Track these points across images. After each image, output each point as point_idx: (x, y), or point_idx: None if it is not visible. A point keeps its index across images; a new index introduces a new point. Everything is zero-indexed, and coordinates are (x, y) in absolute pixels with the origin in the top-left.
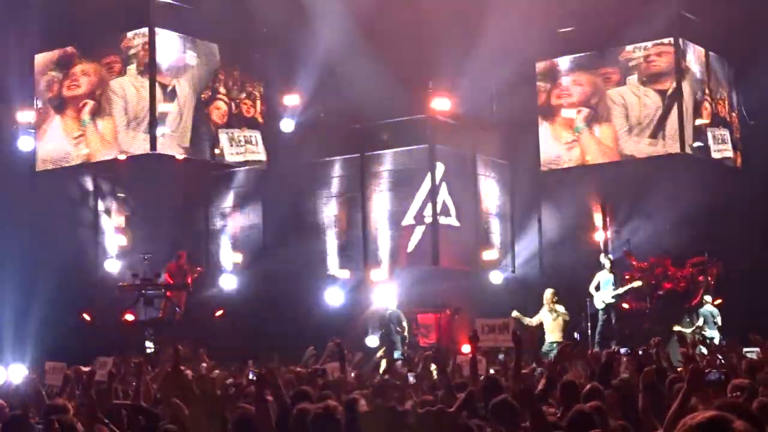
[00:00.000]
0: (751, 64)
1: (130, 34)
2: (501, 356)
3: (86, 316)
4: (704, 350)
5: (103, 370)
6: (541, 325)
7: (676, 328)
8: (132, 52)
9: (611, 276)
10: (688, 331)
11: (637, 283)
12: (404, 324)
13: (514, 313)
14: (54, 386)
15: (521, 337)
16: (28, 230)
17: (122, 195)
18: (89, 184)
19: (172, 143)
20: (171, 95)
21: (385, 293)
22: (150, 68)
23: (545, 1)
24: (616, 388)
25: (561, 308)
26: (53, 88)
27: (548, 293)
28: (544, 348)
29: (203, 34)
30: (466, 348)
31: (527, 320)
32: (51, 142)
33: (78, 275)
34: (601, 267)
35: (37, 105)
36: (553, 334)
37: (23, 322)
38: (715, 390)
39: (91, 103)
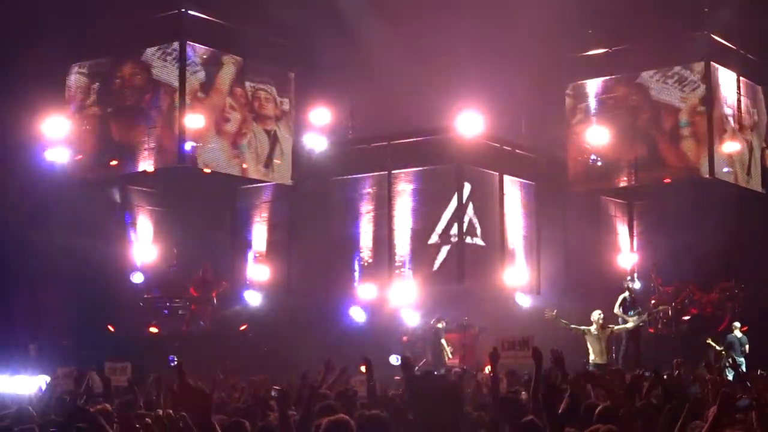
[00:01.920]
0: None
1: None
2: (526, 376)
3: (110, 328)
4: (729, 376)
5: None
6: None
7: (709, 341)
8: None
9: (633, 299)
10: (719, 348)
11: (664, 307)
12: (442, 341)
13: (553, 312)
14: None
15: (542, 353)
16: (56, 240)
17: (149, 207)
18: (117, 196)
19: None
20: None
21: (409, 311)
22: (181, 81)
23: (576, 24)
24: (638, 411)
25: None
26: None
27: (596, 315)
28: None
29: (232, 49)
30: (489, 369)
31: (564, 322)
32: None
33: (104, 287)
34: (624, 289)
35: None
36: (599, 357)
37: (48, 331)
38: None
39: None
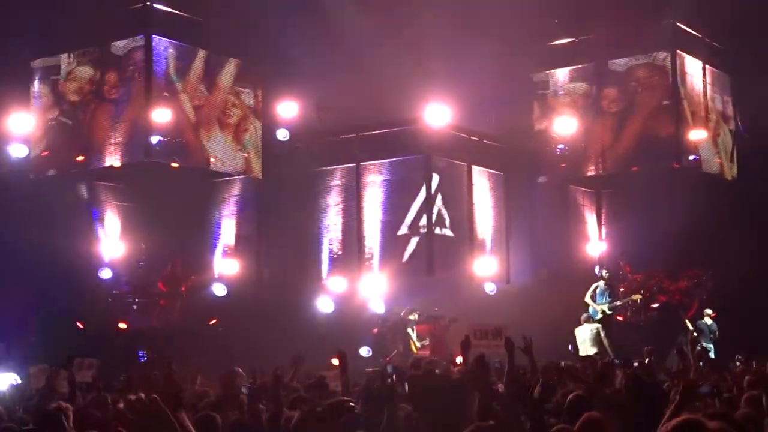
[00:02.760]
0: (748, 78)
1: None
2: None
3: (79, 324)
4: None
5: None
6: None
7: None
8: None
9: (607, 287)
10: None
11: (637, 296)
12: (408, 331)
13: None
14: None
15: (514, 343)
16: (23, 237)
17: (117, 202)
18: (84, 192)
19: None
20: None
21: (379, 302)
22: (147, 75)
23: (542, 15)
24: (608, 398)
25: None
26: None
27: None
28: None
29: (200, 43)
30: (459, 359)
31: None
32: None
33: (72, 283)
34: (596, 278)
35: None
36: (591, 349)
37: (16, 329)
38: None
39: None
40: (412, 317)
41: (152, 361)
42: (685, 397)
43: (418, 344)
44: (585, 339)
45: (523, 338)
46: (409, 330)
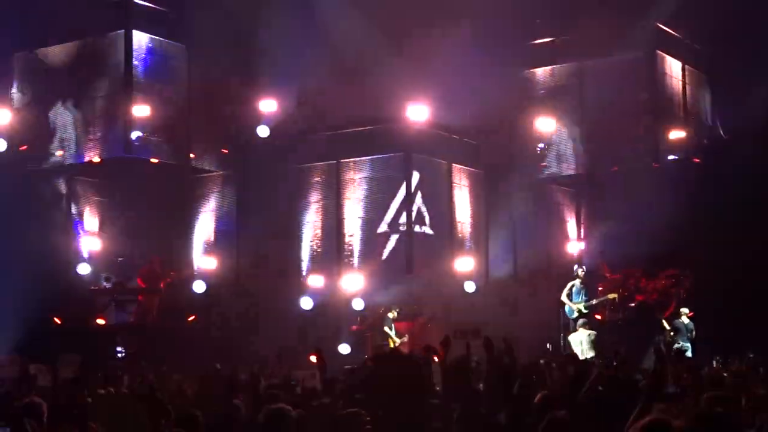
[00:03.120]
0: (726, 78)
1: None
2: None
3: (57, 320)
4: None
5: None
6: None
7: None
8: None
9: (582, 286)
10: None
11: (612, 295)
12: (385, 329)
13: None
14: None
15: (493, 342)
16: (0, 231)
17: (96, 198)
18: (63, 187)
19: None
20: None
21: (358, 300)
22: (127, 70)
23: (524, 13)
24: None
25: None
26: None
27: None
28: None
29: (180, 38)
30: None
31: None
32: None
33: (50, 278)
34: (573, 276)
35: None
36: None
37: None
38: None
39: None
40: (390, 314)
41: (130, 357)
42: (649, 396)
43: (397, 341)
44: (582, 343)
45: (503, 340)
46: (387, 328)
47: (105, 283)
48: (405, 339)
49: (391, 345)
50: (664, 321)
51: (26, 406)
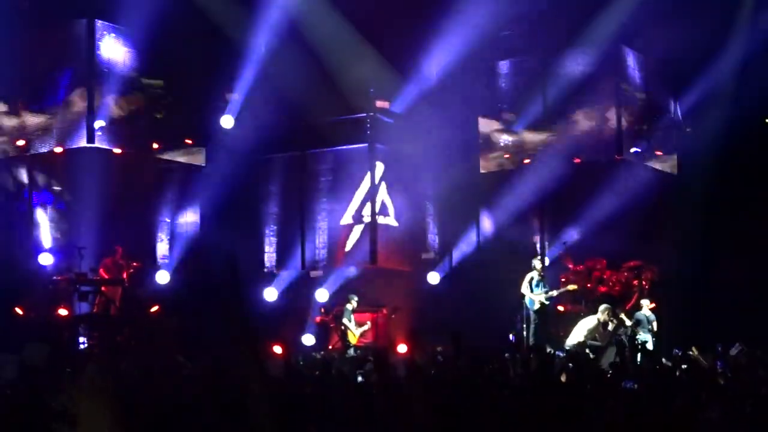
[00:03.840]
0: (689, 72)
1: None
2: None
3: (18, 310)
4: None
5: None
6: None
7: (622, 316)
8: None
9: (541, 278)
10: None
11: (573, 287)
12: (344, 321)
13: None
14: None
15: (460, 336)
16: None
17: (58, 188)
18: (24, 176)
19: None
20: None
21: (322, 291)
22: (89, 60)
23: (489, 4)
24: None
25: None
26: None
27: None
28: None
29: (143, 27)
30: (402, 348)
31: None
32: None
33: (11, 268)
34: (531, 268)
35: None
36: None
37: None
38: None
39: None
40: (349, 306)
41: (93, 349)
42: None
43: (356, 332)
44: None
45: (451, 333)
46: (346, 320)
47: (67, 273)
48: (367, 327)
49: (351, 336)
50: (623, 315)
51: None
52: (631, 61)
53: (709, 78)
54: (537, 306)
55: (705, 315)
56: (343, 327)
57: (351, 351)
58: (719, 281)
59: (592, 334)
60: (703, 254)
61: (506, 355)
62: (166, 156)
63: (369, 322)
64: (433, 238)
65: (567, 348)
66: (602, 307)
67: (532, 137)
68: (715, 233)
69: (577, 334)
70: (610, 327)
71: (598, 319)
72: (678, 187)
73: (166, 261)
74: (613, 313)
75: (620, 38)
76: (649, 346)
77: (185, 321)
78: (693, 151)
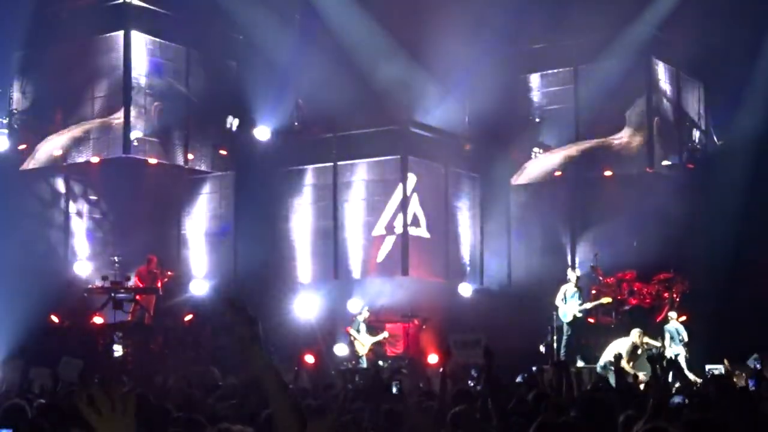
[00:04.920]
0: (720, 85)
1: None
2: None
3: (54, 318)
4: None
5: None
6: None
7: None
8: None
9: (576, 290)
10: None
11: (606, 300)
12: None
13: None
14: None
15: (492, 352)
16: None
17: (94, 197)
18: (60, 186)
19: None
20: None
21: (354, 301)
22: (126, 71)
23: (520, 19)
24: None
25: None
26: None
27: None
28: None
29: (179, 39)
30: (432, 358)
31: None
32: None
33: (47, 277)
34: (566, 280)
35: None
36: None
37: None
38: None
39: None
40: (359, 317)
41: (127, 357)
42: (656, 410)
43: (364, 344)
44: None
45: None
46: (354, 330)
47: (102, 282)
48: (382, 337)
49: (359, 347)
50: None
51: (7, 409)
52: (661, 73)
53: (741, 89)
54: (570, 318)
55: (735, 328)
56: (351, 338)
57: (363, 361)
58: (750, 294)
59: (626, 355)
60: (734, 266)
61: (533, 369)
62: (200, 166)
63: (387, 332)
64: (464, 249)
65: (600, 366)
66: (635, 330)
67: (563, 150)
68: (746, 246)
69: (609, 355)
70: (640, 351)
71: (633, 342)
72: (709, 199)
73: (200, 270)
74: (644, 337)
75: (651, 50)
76: (681, 358)
77: (218, 330)
78: (723, 164)
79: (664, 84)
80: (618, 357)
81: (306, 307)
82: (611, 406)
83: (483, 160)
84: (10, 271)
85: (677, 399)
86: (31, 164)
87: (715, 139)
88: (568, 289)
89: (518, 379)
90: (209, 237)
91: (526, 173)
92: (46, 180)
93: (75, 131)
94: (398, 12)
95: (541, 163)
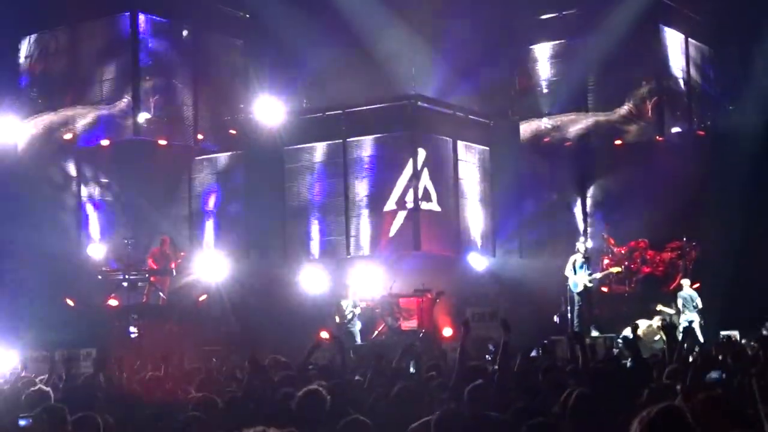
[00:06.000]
0: (730, 51)
1: None
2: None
3: (69, 301)
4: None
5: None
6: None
7: (660, 307)
8: None
9: (585, 260)
10: (671, 311)
11: (616, 269)
12: (343, 312)
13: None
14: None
15: (509, 324)
16: (11, 215)
17: (105, 180)
18: (72, 170)
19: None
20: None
21: (366, 278)
22: (134, 53)
23: None
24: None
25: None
26: None
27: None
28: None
29: (186, 19)
30: (447, 331)
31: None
32: None
33: (61, 260)
34: (575, 251)
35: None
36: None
37: (5, 307)
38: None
39: None
40: (343, 303)
41: (142, 338)
42: (693, 380)
43: (348, 314)
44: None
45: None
46: (338, 317)
47: (129, 243)
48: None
49: (337, 319)
50: (660, 306)
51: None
52: (669, 39)
53: (751, 54)
54: (580, 288)
55: (748, 294)
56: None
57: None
58: (763, 259)
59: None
60: (746, 233)
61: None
62: (211, 145)
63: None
64: (475, 222)
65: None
66: (659, 317)
67: (572, 120)
68: (758, 212)
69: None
70: (657, 337)
71: (655, 325)
72: (720, 166)
73: (213, 250)
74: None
75: (658, 16)
76: (696, 325)
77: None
78: (734, 130)
79: (673, 51)
80: (635, 327)
81: (317, 283)
82: (622, 379)
83: (491, 133)
84: (24, 256)
85: (714, 374)
86: (42, 148)
87: (726, 104)
88: (577, 259)
89: (533, 353)
90: (220, 216)
91: (534, 145)
92: (57, 164)
93: (85, 114)
94: None
95: (550, 134)
